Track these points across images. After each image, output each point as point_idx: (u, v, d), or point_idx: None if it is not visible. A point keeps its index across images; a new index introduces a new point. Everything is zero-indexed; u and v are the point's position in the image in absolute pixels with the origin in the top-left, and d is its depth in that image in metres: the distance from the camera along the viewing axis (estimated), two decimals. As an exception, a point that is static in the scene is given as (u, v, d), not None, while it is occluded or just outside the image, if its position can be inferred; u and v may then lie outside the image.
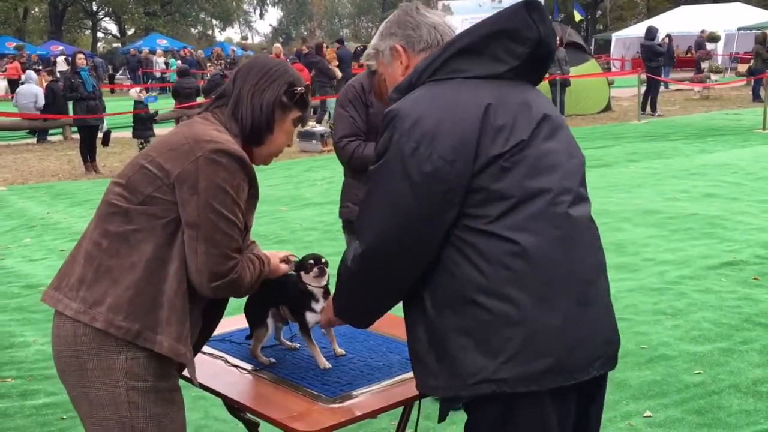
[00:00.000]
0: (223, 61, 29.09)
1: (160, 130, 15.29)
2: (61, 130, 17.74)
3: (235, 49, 38.79)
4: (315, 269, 2.53)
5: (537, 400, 1.95)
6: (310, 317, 2.54)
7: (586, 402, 2.09)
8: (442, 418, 2.10)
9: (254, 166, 2.24)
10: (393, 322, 3.08)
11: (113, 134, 15.10)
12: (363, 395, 2.33)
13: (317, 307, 2.53)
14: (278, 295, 2.60)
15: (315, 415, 2.20)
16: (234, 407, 2.68)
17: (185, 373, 2.37)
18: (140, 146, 12.51)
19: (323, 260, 2.57)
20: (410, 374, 2.44)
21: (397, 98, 2.08)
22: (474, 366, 1.93)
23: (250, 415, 2.71)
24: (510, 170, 1.94)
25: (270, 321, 2.65)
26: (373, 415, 2.28)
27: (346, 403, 2.28)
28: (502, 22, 2.06)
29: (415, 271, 2.02)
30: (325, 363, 2.53)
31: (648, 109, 18.54)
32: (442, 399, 2.08)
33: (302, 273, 2.54)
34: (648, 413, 3.97)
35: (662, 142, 14.02)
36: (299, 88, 2.30)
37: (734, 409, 4.00)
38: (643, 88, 18.33)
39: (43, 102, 17.05)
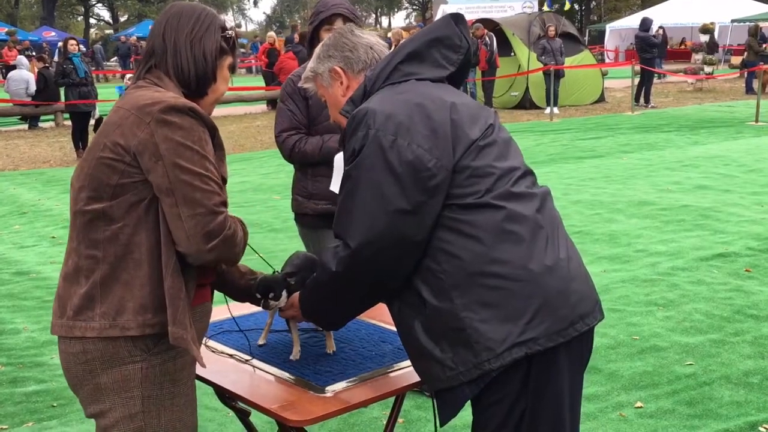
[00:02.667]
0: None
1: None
2: (53, 116, 17.65)
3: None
4: (262, 302, 2.47)
5: (554, 355, 2.02)
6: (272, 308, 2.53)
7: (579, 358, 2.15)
8: (446, 419, 2.08)
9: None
10: (386, 311, 3.07)
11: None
12: (355, 385, 2.32)
13: (273, 303, 2.48)
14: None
15: (306, 405, 2.19)
16: (225, 396, 2.67)
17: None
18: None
19: (271, 294, 2.45)
20: (403, 364, 2.44)
21: (352, 109, 2.16)
22: (500, 333, 1.97)
23: (241, 404, 2.70)
24: (486, 149, 2.09)
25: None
26: (364, 404, 2.27)
27: (338, 393, 2.27)
28: (437, 30, 2.23)
29: (407, 265, 2.02)
30: (296, 354, 2.52)
31: (641, 100, 18.55)
32: (446, 396, 2.06)
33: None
34: (639, 404, 3.98)
35: (655, 133, 14.03)
36: (231, 32, 2.20)
37: (725, 401, 4.00)
38: (637, 79, 18.33)
39: (35, 88, 16.95)
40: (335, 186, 3.41)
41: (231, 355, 2.57)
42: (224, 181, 2.08)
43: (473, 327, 1.97)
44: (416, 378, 2.36)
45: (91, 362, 2.03)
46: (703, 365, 4.44)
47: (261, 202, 9.02)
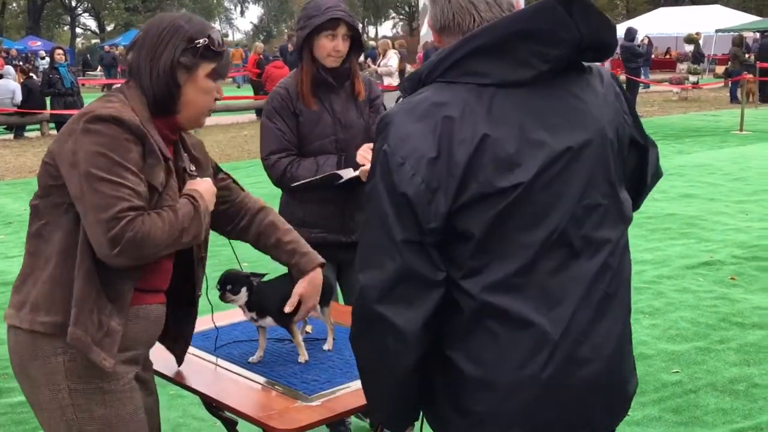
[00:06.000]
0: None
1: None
2: (38, 126, 17.58)
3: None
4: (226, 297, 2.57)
5: None
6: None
7: None
8: None
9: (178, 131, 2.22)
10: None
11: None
12: (341, 393, 2.32)
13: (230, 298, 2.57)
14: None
15: (293, 413, 2.19)
16: (212, 405, 2.65)
17: (157, 367, 2.36)
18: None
19: (218, 286, 2.53)
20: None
21: (407, 88, 1.83)
22: None
23: (228, 414, 2.70)
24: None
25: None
26: (352, 413, 2.27)
27: (325, 401, 2.27)
28: (530, 21, 1.69)
29: None
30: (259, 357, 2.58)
31: (627, 109, 18.64)
32: None
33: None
34: (626, 412, 3.99)
35: (641, 142, 14.08)
36: (201, 40, 2.11)
37: (711, 408, 4.03)
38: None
39: (21, 98, 16.89)
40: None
41: (217, 365, 2.56)
42: (154, 188, 2.06)
43: None
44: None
45: (21, 353, 2.12)
46: (689, 373, 4.46)
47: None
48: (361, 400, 2.26)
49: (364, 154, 3.26)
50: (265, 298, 2.55)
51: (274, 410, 2.22)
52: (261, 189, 10.43)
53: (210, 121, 18.31)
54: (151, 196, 2.05)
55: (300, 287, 2.48)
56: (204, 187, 2.21)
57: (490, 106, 1.68)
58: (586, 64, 1.82)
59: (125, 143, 2.00)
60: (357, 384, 2.37)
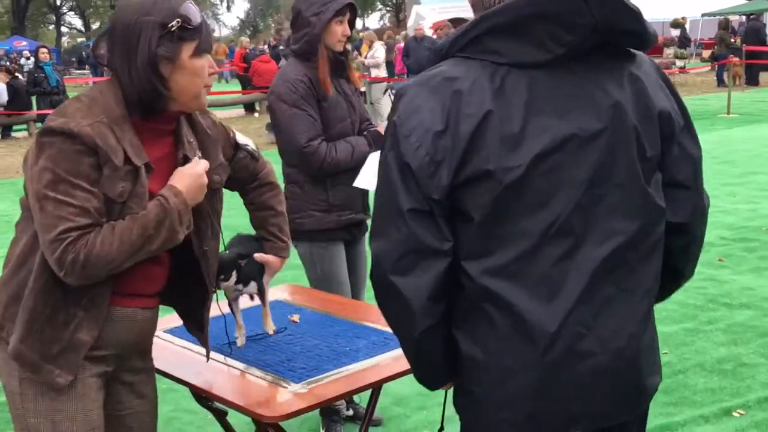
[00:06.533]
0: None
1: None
2: (25, 126, 17.50)
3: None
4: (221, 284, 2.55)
5: None
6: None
7: None
8: None
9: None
10: (360, 307, 3.10)
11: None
12: (328, 380, 2.34)
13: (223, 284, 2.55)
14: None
15: (281, 401, 2.21)
16: (201, 396, 2.67)
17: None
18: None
19: (222, 276, 2.50)
20: (377, 359, 2.46)
21: (434, 60, 1.81)
22: None
23: (217, 404, 2.71)
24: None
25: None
26: (339, 398, 2.29)
27: (312, 388, 2.28)
28: (546, 3, 1.67)
29: None
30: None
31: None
32: None
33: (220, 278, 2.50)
34: (615, 393, 4.01)
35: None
36: (174, 22, 1.95)
37: (700, 388, 4.05)
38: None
39: (6, 98, 16.82)
40: (360, 181, 3.36)
41: (205, 355, 2.57)
42: (112, 199, 1.95)
43: None
44: (390, 372, 2.39)
45: None
46: (677, 354, 4.49)
47: (237, 206, 8.99)
48: (348, 387, 2.29)
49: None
50: (247, 268, 2.62)
51: (262, 398, 2.23)
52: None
53: (198, 116, 18.36)
54: (110, 207, 1.95)
55: (268, 257, 2.66)
56: (186, 181, 2.04)
57: (501, 84, 1.67)
58: (633, 51, 1.79)
59: (74, 156, 1.90)
60: (344, 371, 2.39)
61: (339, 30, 3.42)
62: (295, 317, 2.84)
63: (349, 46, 3.69)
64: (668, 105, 1.81)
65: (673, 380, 4.15)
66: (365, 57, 15.38)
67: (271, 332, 2.69)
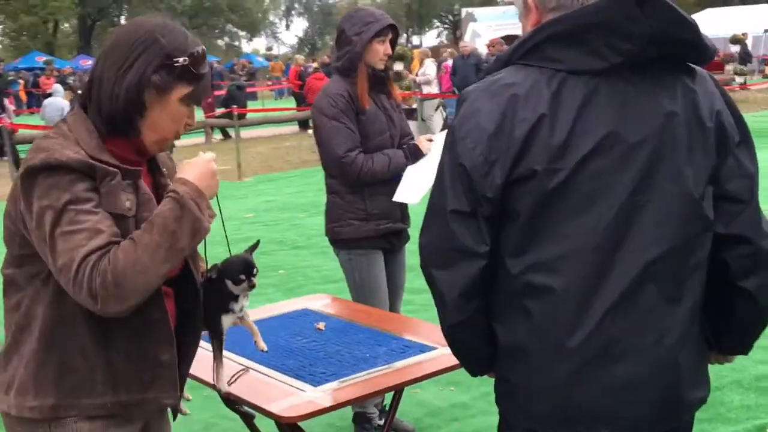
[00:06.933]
0: (242, 73, 29.29)
1: (181, 141, 15.51)
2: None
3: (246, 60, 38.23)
4: (245, 284, 2.23)
5: None
6: (226, 320, 2.26)
7: None
8: None
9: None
10: (386, 317, 3.17)
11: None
12: (346, 384, 2.42)
13: (236, 307, 2.26)
14: None
15: (298, 403, 2.29)
16: (229, 399, 2.77)
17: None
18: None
19: (255, 270, 2.25)
20: (396, 365, 2.53)
21: (495, 69, 1.89)
22: None
23: (246, 408, 2.81)
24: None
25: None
26: (356, 401, 2.37)
27: (331, 391, 2.37)
28: (603, 12, 1.72)
29: None
30: (225, 386, 2.34)
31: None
32: None
33: (228, 281, 2.23)
34: (648, 409, 4.01)
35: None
36: (181, 59, 1.83)
37: (735, 404, 4.02)
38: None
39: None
40: (399, 196, 3.51)
41: (233, 360, 2.67)
42: (121, 215, 1.81)
43: None
44: (406, 377, 2.46)
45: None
46: (715, 370, 4.34)
47: (286, 220, 9.17)
48: (363, 391, 2.37)
49: (424, 142, 3.67)
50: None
51: (282, 400, 2.32)
52: (302, 198, 10.57)
53: (252, 133, 18.69)
54: (123, 225, 1.80)
55: None
56: (192, 171, 1.89)
57: (558, 89, 1.73)
58: (692, 66, 1.84)
59: (68, 185, 1.75)
60: (361, 376, 2.47)
61: (380, 49, 3.60)
62: (321, 325, 2.93)
63: (395, 65, 3.90)
64: (724, 119, 1.84)
65: (709, 396, 4.11)
66: (416, 74, 15.50)
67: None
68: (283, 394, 2.37)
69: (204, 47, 1.91)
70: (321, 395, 2.34)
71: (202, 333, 2.22)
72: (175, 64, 1.82)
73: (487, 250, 1.78)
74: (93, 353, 1.83)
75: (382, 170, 3.56)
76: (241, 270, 2.20)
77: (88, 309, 1.75)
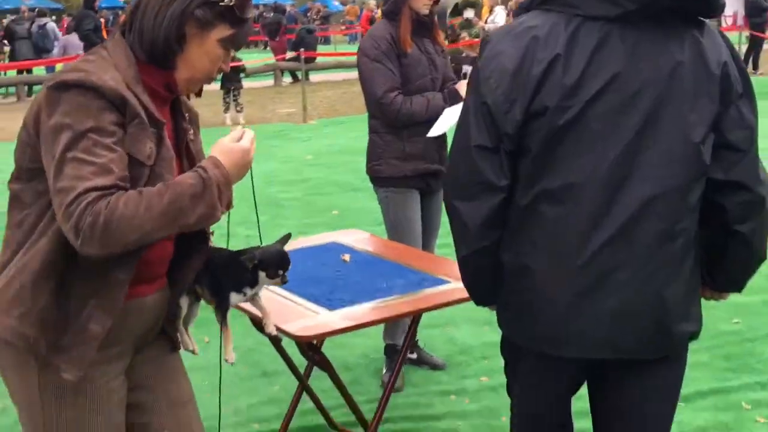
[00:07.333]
0: (316, 17, 29.26)
1: (250, 84, 15.71)
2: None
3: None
4: (278, 279, 2.18)
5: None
6: (234, 298, 2.17)
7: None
8: None
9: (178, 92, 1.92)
10: (412, 254, 3.31)
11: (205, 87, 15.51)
12: (361, 308, 2.59)
13: (248, 292, 2.18)
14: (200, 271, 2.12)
15: (312, 324, 2.46)
16: (258, 323, 2.96)
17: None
18: (225, 97, 12.52)
19: (289, 266, 2.18)
20: (410, 295, 2.68)
21: (519, 14, 2.05)
22: None
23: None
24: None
25: (183, 302, 2.16)
26: (370, 324, 2.53)
27: (345, 315, 2.54)
28: None
29: None
30: (233, 357, 2.15)
31: (750, 66, 17.88)
32: None
33: (262, 273, 2.15)
34: (676, 356, 4.07)
35: (761, 101, 13.50)
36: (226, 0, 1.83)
37: (765, 357, 4.05)
38: (745, 46, 17.67)
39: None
40: (434, 131, 3.64)
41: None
42: (141, 162, 1.76)
43: None
44: (419, 306, 2.61)
45: None
46: (749, 323, 4.47)
47: (345, 163, 9.33)
48: (376, 316, 2.53)
49: (464, 86, 3.70)
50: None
51: (299, 322, 2.48)
52: (363, 142, 10.62)
53: (322, 77, 18.76)
54: (138, 172, 1.75)
55: None
56: (231, 157, 1.83)
57: (574, 32, 1.87)
58: (702, 20, 1.94)
59: (95, 112, 1.70)
60: (376, 304, 2.62)
61: None
62: (346, 257, 3.08)
63: (466, 12, 4.02)
64: (729, 70, 1.94)
65: (739, 348, 4.16)
66: (485, 21, 15.35)
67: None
68: (299, 316, 2.53)
69: None
70: (335, 319, 2.50)
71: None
72: (220, 3, 1.83)
73: (507, 184, 1.95)
74: (52, 287, 1.77)
75: (420, 111, 3.67)
76: (279, 264, 2.16)
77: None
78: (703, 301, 4.96)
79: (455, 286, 2.71)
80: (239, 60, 13.38)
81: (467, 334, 4.45)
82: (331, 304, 2.61)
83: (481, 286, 2.11)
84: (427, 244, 3.93)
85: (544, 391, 2.15)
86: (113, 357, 1.91)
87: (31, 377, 1.84)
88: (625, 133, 1.88)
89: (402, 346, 2.94)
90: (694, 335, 2.07)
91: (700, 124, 1.90)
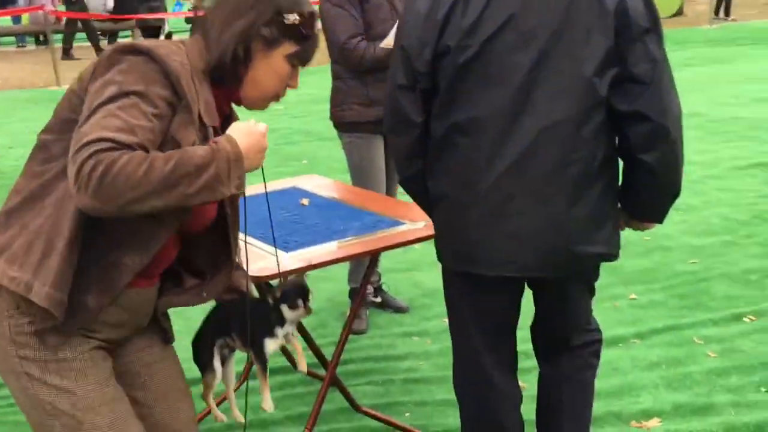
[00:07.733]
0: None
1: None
2: (130, 32, 18.17)
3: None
4: (301, 310, 2.17)
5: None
6: (270, 345, 2.17)
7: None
8: None
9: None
10: (369, 197, 3.36)
11: (175, 36, 15.40)
12: (317, 251, 2.65)
13: (280, 332, 2.17)
14: (227, 321, 2.19)
15: (268, 265, 2.50)
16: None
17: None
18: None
19: (311, 296, 2.19)
20: (365, 237, 2.73)
21: None
22: None
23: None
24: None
25: (216, 362, 2.22)
26: (324, 265, 2.58)
27: (300, 256, 2.61)
28: None
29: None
30: (271, 406, 2.20)
31: (722, 12, 17.89)
32: None
33: (284, 306, 2.16)
34: (633, 296, 4.19)
35: (729, 47, 13.58)
36: (292, 16, 1.83)
37: (719, 295, 4.18)
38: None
39: (112, 4, 17.46)
40: (387, 41, 3.63)
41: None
42: (174, 145, 1.70)
43: None
44: (371, 247, 2.67)
45: None
46: (706, 264, 4.59)
47: (315, 112, 9.29)
48: (329, 257, 2.58)
49: None
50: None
51: (254, 264, 2.53)
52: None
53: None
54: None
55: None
56: (246, 140, 1.76)
57: None
58: None
59: (149, 80, 1.69)
60: (334, 245, 2.68)
61: None
62: (305, 201, 3.12)
63: None
64: (628, 5, 2.03)
65: (694, 287, 4.28)
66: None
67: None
68: (259, 258, 2.58)
69: (316, 9, 1.92)
70: (289, 260, 2.55)
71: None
72: (285, 21, 1.83)
73: (422, 120, 2.17)
74: (71, 248, 1.72)
75: (385, 56, 3.62)
76: (298, 294, 2.16)
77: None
78: (662, 244, 5.11)
79: (410, 227, 2.77)
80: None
81: (431, 278, 4.52)
82: (287, 247, 2.65)
83: (423, 207, 2.39)
84: (390, 189, 3.98)
85: (474, 317, 2.37)
86: (86, 335, 1.86)
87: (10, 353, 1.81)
88: (521, 69, 2.04)
89: (360, 286, 3.00)
90: (605, 258, 2.23)
91: (592, 58, 2.03)
